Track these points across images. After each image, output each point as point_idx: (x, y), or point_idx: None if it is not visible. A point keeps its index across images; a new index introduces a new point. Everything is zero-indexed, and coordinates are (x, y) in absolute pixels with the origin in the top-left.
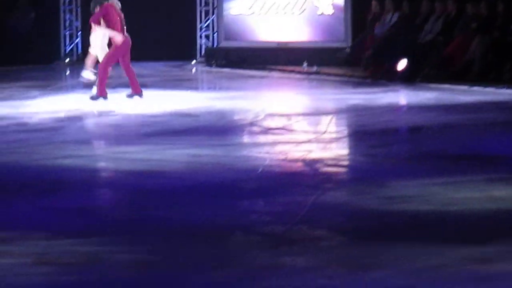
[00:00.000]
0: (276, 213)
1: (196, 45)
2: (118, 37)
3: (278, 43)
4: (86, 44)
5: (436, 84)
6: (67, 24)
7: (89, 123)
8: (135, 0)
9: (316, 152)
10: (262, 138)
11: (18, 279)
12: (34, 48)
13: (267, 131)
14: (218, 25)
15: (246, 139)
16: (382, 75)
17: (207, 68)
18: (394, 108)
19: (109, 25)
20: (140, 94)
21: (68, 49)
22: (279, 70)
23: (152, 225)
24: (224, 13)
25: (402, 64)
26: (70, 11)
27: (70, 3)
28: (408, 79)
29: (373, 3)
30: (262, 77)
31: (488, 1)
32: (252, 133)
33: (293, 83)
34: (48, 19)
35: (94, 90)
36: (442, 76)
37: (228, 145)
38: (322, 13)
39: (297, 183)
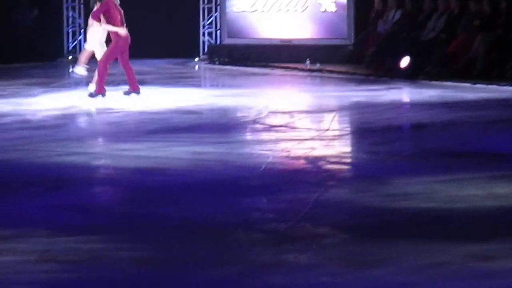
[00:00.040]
0: (279, 210)
1: (199, 42)
2: (122, 31)
3: (281, 40)
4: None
5: (439, 81)
6: (70, 21)
7: (92, 120)
8: None
9: (319, 149)
10: (265, 136)
11: (20, 277)
12: (37, 45)
13: (270, 128)
14: (221, 22)
15: (249, 136)
16: (385, 72)
17: (210, 66)
18: (397, 106)
19: (109, 21)
20: (137, 91)
21: (71, 46)
22: (282, 67)
23: (154, 223)
24: (227, 10)
25: (405, 62)
26: (73, 8)
27: (73, 0)
28: (411, 76)
29: (376, 0)
30: (265, 74)
31: None
32: (255, 130)
33: (296, 80)
34: (51, 17)
35: (91, 88)
36: (445, 74)
37: (231, 143)
38: (325, 10)
39: (300, 181)
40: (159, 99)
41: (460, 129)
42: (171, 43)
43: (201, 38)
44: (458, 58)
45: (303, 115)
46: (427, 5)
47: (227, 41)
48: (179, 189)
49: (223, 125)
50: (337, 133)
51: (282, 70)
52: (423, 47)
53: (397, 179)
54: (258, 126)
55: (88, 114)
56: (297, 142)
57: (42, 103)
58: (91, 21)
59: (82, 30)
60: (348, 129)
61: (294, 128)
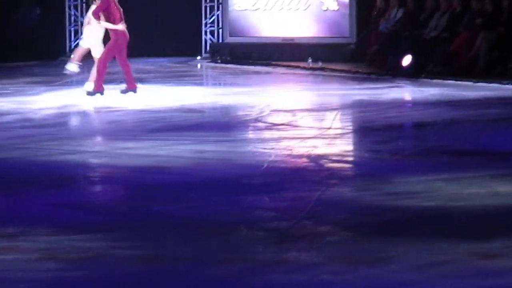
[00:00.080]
0: (281, 208)
1: (201, 41)
2: (120, 28)
3: (283, 39)
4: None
5: (441, 80)
6: (72, 19)
7: (93, 119)
8: None
9: (321, 148)
10: (267, 134)
11: (22, 275)
12: (39, 44)
13: (272, 126)
14: (223, 21)
15: (251, 134)
16: (387, 71)
17: (212, 64)
18: (399, 104)
19: (109, 18)
20: (134, 90)
21: (73, 45)
22: (284, 65)
23: (155, 221)
24: (229, 9)
25: (407, 60)
26: (75, 6)
27: None
28: (413, 75)
29: None
30: (267, 72)
31: None
32: (257, 128)
33: (298, 78)
34: (53, 15)
35: (88, 86)
36: (447, 72)
37: (233, 141)
38: (327, 9)
39: (302, 179)
40: (161, 97)
41: (462, 127)
42: (173, 42)
43: (203, 36)
44: (460, 57)
45: (305, 113)
46: (429, 3)
47: (229, 39)
48: (181, 188)
49: (225, 124)
50: (339, 131)
51: (284, 68)
52: (425, 45)
53: (399, 178)
54: (260, 124)
55: (90, 112)
56: (299, 140)
57: (44, 102)
58: (87, 19)
59: None
60: (350, 127)
61: (296, 126)
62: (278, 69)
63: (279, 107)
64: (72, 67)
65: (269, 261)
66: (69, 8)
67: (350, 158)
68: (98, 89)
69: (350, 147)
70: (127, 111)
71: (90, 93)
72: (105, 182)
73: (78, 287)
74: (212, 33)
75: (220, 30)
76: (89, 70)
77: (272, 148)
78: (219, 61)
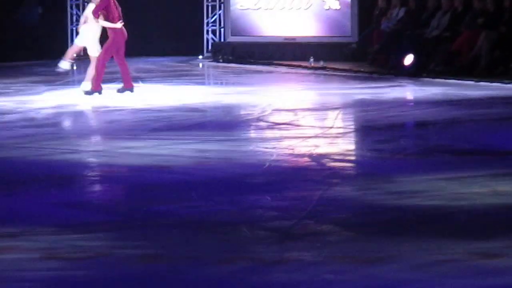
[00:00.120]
0: (283, 208)
1: (203, 40)
2: (118, 27)
3: (285, 38)
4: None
5: (443, 79)
6: (74, 19)
7: (96, 118)
8: None
9: (323, 147)
10: (268, 133)
11: (25, 274)
12: (40, 43)
13: (273, 126)
14: (225, 20)
15: (252, 134)
16: (388, 70)
17: (214, 63)
18: (400, 103)
19: (108, 17)
20: (131, 89)
21: None
22: (286, 65)
23: (157, 220)
24: (231, 8)
25: (408, 59)
26: (77, 6)
27: None
28: (415, 74)
29: None
30: (268, 72)
31: None
32: (258, 128)
33: (299, 78)
34: (54, 14)
35: (84, 86)
36: (449, 71)
37: (235, 140)
38: (329, 8)
39: (304, 178)
40: (163, 96)
41: (464, 127)
42: (175, 41)
43: (205, 36)
44: (461, 56)
45: (307, 112)
46: (431, 3)
47: (231, 38)
48: (182, 187)
49: (227, 123)
50: (341, 130)
51: (286, 67)
52: (427, 45)
53: (400, 177)
54: (262, 123)
55: (91, 112)
56: (301, 139)
57: (45, 101)
58: (84, 18)
59: None
60: (352, 126)
61: (298, 125)
62: (280, 68)
63: (280, 106)
64: (64, 64)
65: (270, 261)
66: (71, 8)
67: (352, 157)
68: (97, 88)
69: (352, 147)
70: (128, 110)
71: (88, 93)
72: (106, 182)
73: (78, 286)
74: (214, 32)
75: (222, 29)
76: (85, 69)
77: (274, 148)
78: (221, 60)
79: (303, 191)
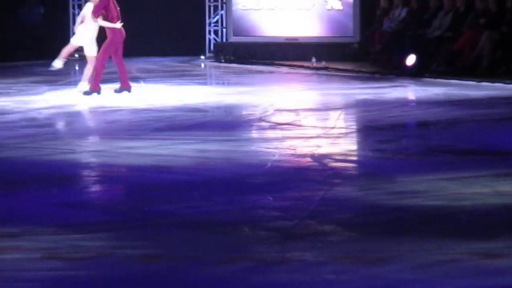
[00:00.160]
0: (284, 208)
1: (205, 40)
2: (117, 26)
3: (287, 38)
4: (101, 40)
5: (445, 79)
6: (75, 19)
7: (97, 118)
8: None
9: (324, 147)
10: (270, 133)
11: (26, 274)
12: (42, 43)
13: (275, 126)
14: (227, 20)
15: (254, 134)
16: (390, 70)
17: (216, 63)
18: (402, 103)
19: (107, 17)
20: (128, 89)
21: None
22: (288, 65)
23: (158, 220)
24: (233, 8)
25: (411, 60)
26: (79, 6)
27: None
28: (417, 74)
29: None
30: (270, 72)
31: None
32: (260, 128)
33: (301, 78)
34: (56, 15)
35: (81, 86)
36: (451, 72)
37: (237, 140)
38: (331, 8)
39: (306, 178)
40: (164, 96)
41: (465, 127)
42: (177, 41)
43: (207, 36)
44: (463, 56)
45: (309, 113)
46: (433, 3)
47: (233, 39)
48: (184, 187)
49: (229, 123)
50: (343, 131)
51: (288, 68)
52: (429, 45)
53: (402, 177)
54: (263, 124)
55: (92, 112)
56: (302, 140)
57: (47, 101)
58: (81, 17)
59: None
60: (354, 127)
61: (299, 126)
62: (282, 68)
63: (282, 106)
64: (57, 63)
65: (272, 261)
66: (73, 8)
67: (354, 158)
68: (95, 88)
69: (354, 147)
70: (129, 110)
71: (87, 93)
72: (106, 182)
73: (79, 286)
74: (216, 32)
75: (224, 30)
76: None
77: (276, 148)
78: (222, 60)
79: (305, 191)
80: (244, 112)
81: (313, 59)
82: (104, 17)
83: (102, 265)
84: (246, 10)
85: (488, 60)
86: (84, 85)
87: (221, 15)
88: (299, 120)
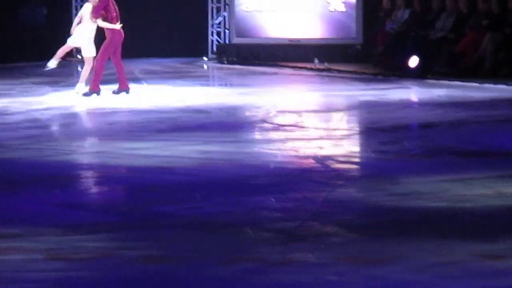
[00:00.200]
0: (287, 209)
1: (207, 41)
2: (117, 27)
3: (290, 40)
4: (98, 41)
5: (447, 80)
6: None
7: (100, 119)
8: None
9: (327, 148)
10: (273, 135)
11: (29, 275)
12: (45, 44)
13: (278, 127)
14: (230, 21)
15: (257, 135)
16: (393, 71)
17: (219, 65)
18: (405, 105)
19: (107, 17)
20: (127, 90)
21: None
22: (291, 66)
23: (162, 221)
24: (236, 9)
25: (413, 61)
26: (82, 7)
27: None
28: (419, 75)
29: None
30: (273, 73)
31: None
32: (263, 129)
33: (304, 79)
34: (59, 16)
35: (78, 87)
36: (453, 73)
37: (239, 142)
38: (334, 10)
39: (308, 180)
40: (167, 97)
41: (468, 128)
42: (180, 43)
43: (210, 37)
44: (466, 58)
45: (312, 114)
46: (436, 4)
47: (236, 40)
48: (187, 188)
49: (231, 124)
50: (345, 132)
51: (291, 69)
52: (432, 46)
53: (405, 178)
54: (266, 125)
55: (94, 113)
56: (305, 141)
57: (49, 102)
58: (78, 18)
59: None
60: (357, 128)
61: (302, 127)
62: (285, 70)
63: (285, 108)
64: (51, 63)
65: (275, 262)
66: (76, 9)
67: (356, 159)
68: (95, 89)
69: (356, 148)
70: (132, 111)
71: (86, 94)
72: (109, 183)
73: (81, 287)
74: (218, 34)
75: (227, 31)
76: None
77: (279, 149)
78: (225, 61)
79: (308, 192)
80: (246, 114)
81: (316, 60)
82: (104, 17)
83: (103, 266)
84: (249, 11)
85: (490, 62)
86: (82, 86)
87: (224, 16)
88: (302, 122)
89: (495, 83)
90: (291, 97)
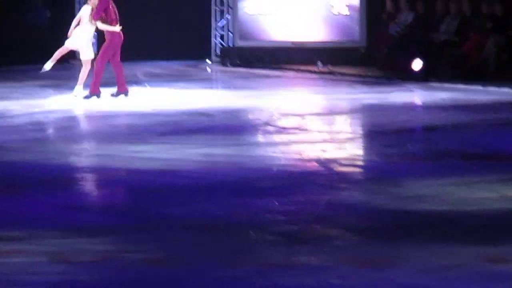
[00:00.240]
0: (290, 212)
1: (211, 44)
2: (116, 29)
3: (293, 42)
4: (101, 43)
5: (451, 83)
6: None
7: (104, 121)
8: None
9: (330, 151)
10: (276, 138)
11: (33, 278)
12: (48, 47)
13: (281, 130)
14: (233, 24)
15: (260, 138)
16: (396, 74)
17: (222, 68)
18: (409, 108)
19: (107, 19)
20: (125, 93)
21: None
22: (294, 69)
23: (165, 223)
24: (239, 12)
25: (417, 64)
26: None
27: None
28: (423, 78)
29: (388, 2)
30: (277, 76)
31: (503, 1)
32: (266, 132)
33: (307, 82)
34: (63, 18)
35: (77, 90)
36: (457, 76)
37: (243, 145)
38: (337, 13)
39: (311, 183)
40: (171, 100)
41: (472, 131)
42: (184, 45)
43: (213, 40)
44: (470, 60)
45: (315, 117)
46: (439, 7)
47: (239, 43)
48: (191, 191)
49: (235, 127)
50: (349, 135)
51: (294, 72)
52: (435, 49)
53: (409, 181)
54: (269, 128)
55: (98, 115)
56: (308, 144)
57: (54, 105)
58: (76, 20)
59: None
60: (360, 131)
61: (306, 130)
62: (288, 72)
63: (288, 110)
64: (47, 65)
65: (278, 265)
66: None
67: (360, 162)
68: (95, 92)
69: (360, 151)
70: (134, 114)
71: (86, 96)
72: (112, 185)
73: None
74: (222, 37)
75: (230, 34)
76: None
77: (282, 152)
78: (229, 64)
79: (311, 195)
80: (250, 116)
81: (319, 63)
82: (103, 20)
83: (105, 268)
84: (253, 14)
85: (494, 65)
86: (80, 89)
87: (228, 19)
88: (305, 125)
89: (499, 86)
90: (294, 100)
